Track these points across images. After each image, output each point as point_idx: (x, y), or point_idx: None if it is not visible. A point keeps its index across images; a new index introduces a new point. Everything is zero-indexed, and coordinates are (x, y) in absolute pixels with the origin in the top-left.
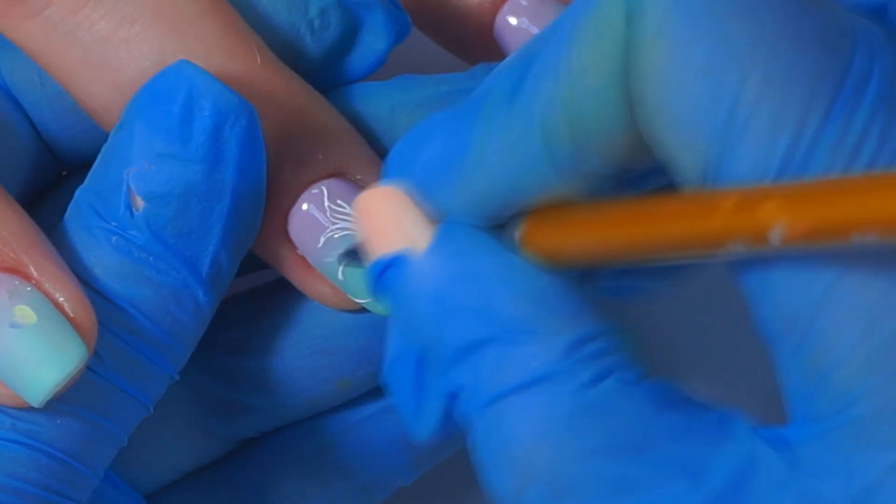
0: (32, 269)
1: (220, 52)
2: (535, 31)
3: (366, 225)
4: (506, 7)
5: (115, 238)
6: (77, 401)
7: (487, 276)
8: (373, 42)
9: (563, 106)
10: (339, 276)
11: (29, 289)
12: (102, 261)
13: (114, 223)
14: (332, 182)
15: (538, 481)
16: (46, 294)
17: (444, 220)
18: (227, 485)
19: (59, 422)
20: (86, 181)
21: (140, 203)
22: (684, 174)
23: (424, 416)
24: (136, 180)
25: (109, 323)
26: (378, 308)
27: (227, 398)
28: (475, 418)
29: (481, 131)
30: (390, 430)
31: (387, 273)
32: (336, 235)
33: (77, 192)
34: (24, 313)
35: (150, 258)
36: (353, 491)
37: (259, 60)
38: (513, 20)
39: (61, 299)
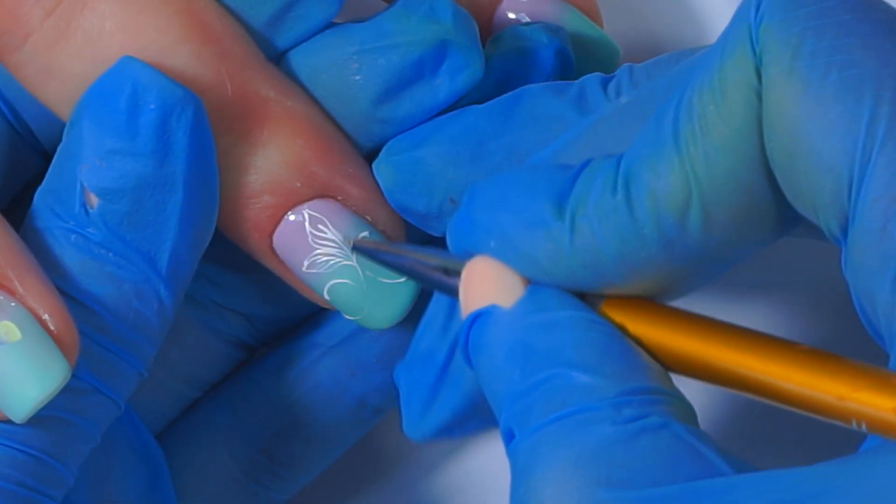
0: (17, 283)
1: (187, 86)
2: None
3: (465, 288)
4: (505, 3)
5: (73, 237)
6: (52, 401)
7: (563, 325)
8: None
9: (687, 168)
10: (325, 295)
11: (14, 304)
12: (64, 260)
13: (71, 222)
14: (314, 204)
15: None
16: (31, 310)
17: (533, 284)
18: (230, 402)
19: (34, 421)
20: (43, 182)
21: (94, 200)
22: (824, 206)
23: (428, 420)
24: (89, 177)
25: (78, 323)
26: (367, 322)
27: (223, 305)
28: (517, 450)
29: (575, 201)
30: (366, 352)
31: (476, 323)
32: (319, 259)
33: (35, 194)
34: (9, 330)
35: (110, 254)
36: (344, 413)
37: (230, 91)
38: (512, 16)
39: (45, 316)
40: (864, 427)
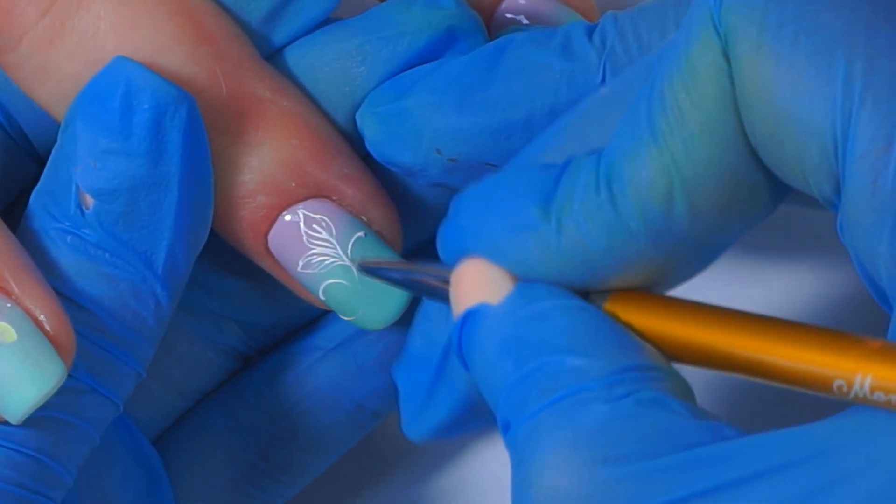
0: (14, 285)
1: (181, 86)
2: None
3: (454, 291)
4: (504, 5)
5: (69, 238)
6: (50, 402)
7: (551, 314)
8: None
9: (666, 158)
10: (321, 295)
11: (10, 305)
12: (60, 261)
13: (67, 223)
14: (309, 204)
15: (567, 491)
16: (27, 311)
17: (522, 280)
18: (228, 407)
19: (31, 421)
20: (38, 183)
21: (90, 201)
22: (813, 171)
23: (426, 420)
24: (84, 178)
25: (75, 323)
26: (363, 322)
27: (219, 313)
28: (514, 438)
29: (560, 202)
30: (364, 355)
31: (467, 322)
32: (314, 259)
33: (31, 196)
34: (5, 330)
35: (106, 255)
36: (342, 416)
37: (225, 91)
38: (511, 17)
39: (41, 317)
40: (872, 398)
